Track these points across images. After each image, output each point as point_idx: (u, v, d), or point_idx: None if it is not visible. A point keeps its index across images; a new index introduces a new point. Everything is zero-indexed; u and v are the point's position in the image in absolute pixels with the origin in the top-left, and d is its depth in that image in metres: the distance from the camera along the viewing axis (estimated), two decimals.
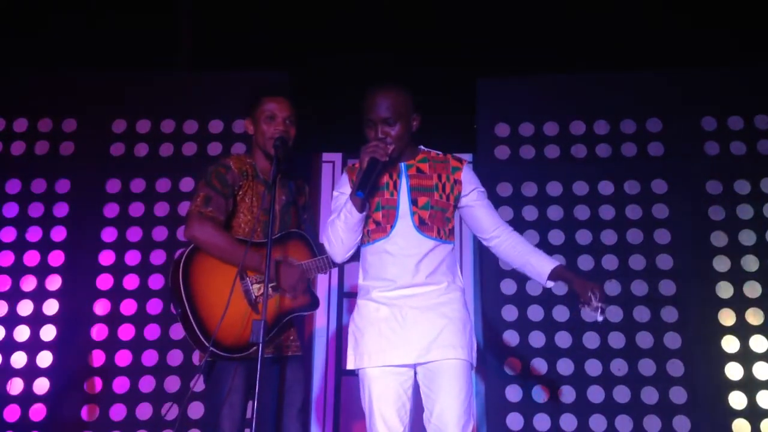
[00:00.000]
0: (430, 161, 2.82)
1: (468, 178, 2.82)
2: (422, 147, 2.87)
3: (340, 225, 2.72)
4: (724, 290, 4.02)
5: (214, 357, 2.84)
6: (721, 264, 4.05)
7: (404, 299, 2.71)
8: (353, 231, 2.72)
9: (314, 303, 2.98)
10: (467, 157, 4.50)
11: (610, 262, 4.13)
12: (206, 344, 2.76)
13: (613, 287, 4.07)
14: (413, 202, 2.74)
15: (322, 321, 4.64)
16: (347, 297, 4.66)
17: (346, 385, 4.50)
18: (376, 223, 2.74)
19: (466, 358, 2.71)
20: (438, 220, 2.75)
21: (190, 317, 2.78)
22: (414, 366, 2.73)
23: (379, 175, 2.71)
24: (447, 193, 2.78)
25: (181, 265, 2.83)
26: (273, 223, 2.77)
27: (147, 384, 4.07)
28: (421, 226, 2.73)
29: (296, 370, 2.96)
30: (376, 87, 2.74)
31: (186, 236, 2.88)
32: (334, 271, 4.76)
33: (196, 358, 3.70)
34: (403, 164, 2.79)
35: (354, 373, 2.79)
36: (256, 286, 2.89)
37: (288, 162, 3.01)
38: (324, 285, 4.71)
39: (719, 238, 4.08)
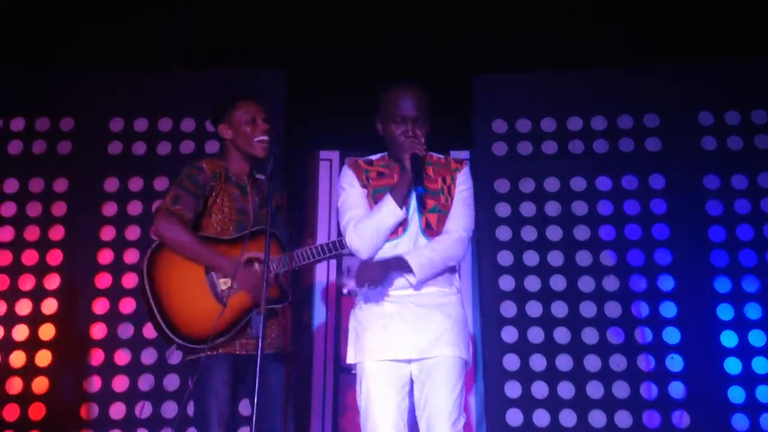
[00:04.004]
0: (433, 165, 2.84)
1: (462, 179, 2.83)
2: None
3: (378, 222, 2.69)
4: (723, 285, 4.01)
5: (182, 350, 2.92)
6: (720, 259, 4.05)
7: (409, 298, 2.72)
8: (390, 230, 2.71)
9: (282, 298, 2.97)
10: (464, 154, 4.50)
11: (608, 257, 4.13)
12: (172, 338, 2.83)
13: (611, 282, 4.07)
14: (422, 205, 2.74)
15: (321, 319, 4.64)
16: (345, 295, 4.65)
17: (344, 383, 4.50)
18: None
19: (464, 356, 2.73)
20: (442, 223, 2.76)
21: (155, 312, 2.85)
22: (411, 363, 2.73)
23: (422, 171, 2.71)
24: (451, 196, 2.80)
25: (146, 261, 2.91)
26: (272, 221, 2.79)
27: (146, 383, 4.07)
28: (427, 230, 2.74)
29: (278, 367, 2.99)
30: (405, 84, 2.76)
31: (153, 232, 2.95)
32: (333, 269, 4.75)
33: (173, 358, 3.69)
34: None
35: (353, 372, 2.79)
36: (222, 280, 2.92)
37: (265, 164, 3.05)
38: (322, 284, 4.72)
39: (717, 233, 4.08)
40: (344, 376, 4.49)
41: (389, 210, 2.68)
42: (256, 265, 2.96)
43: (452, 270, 2.80)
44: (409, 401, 2.75)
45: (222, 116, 3.08)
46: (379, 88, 2.81)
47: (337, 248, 2.97)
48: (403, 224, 2.73)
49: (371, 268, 2.70)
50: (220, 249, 2.94)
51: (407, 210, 2.73)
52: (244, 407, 3.44)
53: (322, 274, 4.73)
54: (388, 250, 2.74)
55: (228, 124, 3.06)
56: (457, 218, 2.77)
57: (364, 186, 2.80)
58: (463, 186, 2.81)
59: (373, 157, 2.87)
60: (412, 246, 2.73)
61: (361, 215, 2.74)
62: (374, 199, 2.76)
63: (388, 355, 2.70)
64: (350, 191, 2.80)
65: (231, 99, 3.09)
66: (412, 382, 2.75)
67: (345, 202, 2.80)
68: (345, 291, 2.67)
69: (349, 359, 2.78)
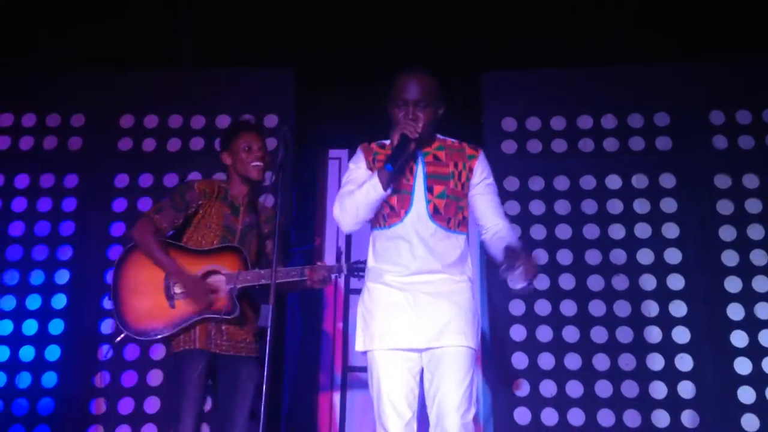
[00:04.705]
0: (446, 149, 2.84)
1: (480, 168, 2.84)
2: (438, 135, 2.89)
3: (359, 197, 2.72)
4: (733, 285, 4.00)
5: (130, 340, 3.28)
6: (730, 258, 4.03)
7: (417, 285, 2.72)
8: (371, 207, 2.73)
9: (229, 311, 3.18)
10: None
11: (617, 256, 4.11)
12: (122, 329, 3.19)
13: (621, 282, 4.06)
14: (429, 189, 2.76)
15: (329, 318, 4.65)
16: (353, 294, 4.65)
17: (352, 381, 4.50)
18: (390, 207, 2.76)
19: (473, 346, 2.73)
20: (452, 209, 2.76)
21: (113, 307, 3.22)
22: (422, 351, 2.73)
23: (409, 155, 2.73)
24: (462, 182, 2.80)
25: (119, 257, 3.29)
26: (279, 236, 3.02)
27: (155, 378, 4.08)
28: (435, 215, 2.74)
29: (250, 369, 3.22)
30: (410, 69, 2.80)
31: (131, 233, 3.31)
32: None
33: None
34: (419, 151, 2.80)
35: (360, 369, 2.79)
36: (177, 285, 3.21)
37: (260, 189, 3.48)
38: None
39: (728, 233, 4.06)
40: (352, 375, 4.50)
41: (371, 186, 2.70)
42: (213, 277, 3.21)
43: (464, 257, 2.80)
44: (419, 392, 2.75)
45: (224, 145, 3.42)
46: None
47: (303, 275, 3.19)
48: (405, 207, 2.74)
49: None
50: (186, 258, 3.23)
51: (402, 192, 2.73)
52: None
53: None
54: (396, 233, 2.74)
55: (229, 152, 3.39)
56: (498, 207, 2.84)
57: (369, 167, 2.82)
58: (485, 174, 2.84)
59: (387, 142, 2.89)
60: (421, 231, 2.73)
61: (351, 190, 2.76)
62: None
63: (395, 344, 2.70)
64: (354, 170, 2.85)
65: (234, 129, 3.45)
66: (422, 371, 2.74)
67: (345, 179, 2.85)
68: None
69: (358, 347, 2.79)
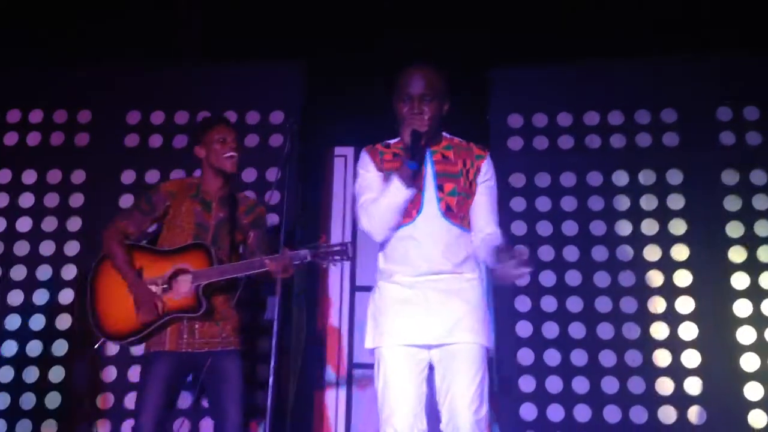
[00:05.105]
0: (454, 148, 2.83)
1: (486, 169, 2.83)
2: (445, 134, 2.88)
3: (385, 202, 2.69)
4: (740, 281, 3.98)
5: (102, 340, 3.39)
6: (737, 255, 4.01)
7: (427, 283, 2.71)
8: (398, 210, 2.70)
9: (194, 308, 3.24)
10: None
11: (624, 252, 4.10)
12: (98, 333, 3.31)
13: (627, 278, 4.05)
14: (439, 188, 2.74)
15: (334, 314, 4.65)
16: (359, 291, 4.66)
17: (358, 378, 4.50)
18: None
19: (485, 343, 2.72)
20: (464, 207, 2.76)
21: (88, 309, 3.33)
22: (430, 349, 2.72)
23: (424, 149, 2.71)
24: (470, 180, 2.78)
25: (95, 263, 3.40)
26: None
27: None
28: (447, 212, 2.73)
29: (232, 361, 3.30)
30: (416, 64, 2.77)
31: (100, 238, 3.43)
32: (346, 265, 4.74)
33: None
34: (427, 149, 2.78)
35: (366, 366, 2.79)
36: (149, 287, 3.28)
37: (236, 182, 3.56)
38: (336, 279, 4.72)
39: (735, 229, 4.04)
40: (357, 372, 4.50)
41: (395, 188, 2.67)
42: (180, 276, 3.27)
43: (474, 255, 2.79)
44: (428, 388, 2.74)
45: (197, 138, 3.45)
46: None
47: (262, 266, 3.17)
48: (416, 207, 2.72)
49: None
50: (155, 258, 3.32)
51: (415, 190, 2.70)
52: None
53: (336, 269, 4.70)
54: (407, 233, 2.73)
55: (202, 145, 3.42)
56: (493, 213, 2.81)
57: (379, 169, 2.80)
58: (486, 178, 2.81)
59: (391, 141, 2.88)
60: (432, 231, 2.72)
61: (374, 198, 2.74)
62: (387, 180, 2.76)
63: (405, 340, 2.69)
64: (365, 175, 2.81)
65: (207, 123, 3.50)
66: (431, 367, 2.73)
67: (359, 186, 2.82)
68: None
69: (368, 344, 2.78)
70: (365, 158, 2.84)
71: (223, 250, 3.34)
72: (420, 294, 2.71)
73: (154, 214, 3.39)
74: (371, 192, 2.76)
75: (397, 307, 2.72)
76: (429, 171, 2.77)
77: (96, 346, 3.49)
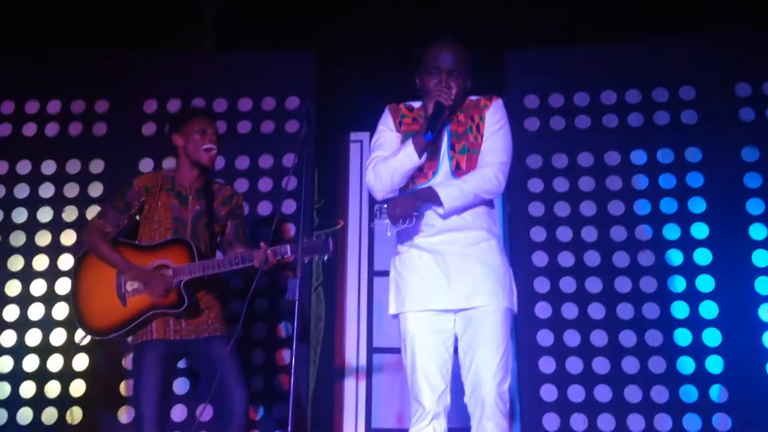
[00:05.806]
0: (465, 109, 2.86)
1: (490, 113, 2.83)
2: None
3: (395, 164, 2.74)
4: (761, 258, 3.95)
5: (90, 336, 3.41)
6: (758, 232, 3.98)
7: (445, 245, 2.72)
8: (405, 174, 2.76)
9: (176, 305, 3.25)
10: None
11: (643, 232, 4.08)
12: (80, 328, 3.36)
13: (646, 257, 4.03)
14: (451, 147, 2.78)
15: (353, 299, 4.67)
16: (378, 276, 4.67)
17: (377, 362, 4.52)
18: (419, 169, 2.78)
19: (507, 305, 2.72)
20: (473, 163, 2.77)
21: (71, 304, 3.41)
22: (454, 314, 2.73)
23: (444, 122, 2.75)
24: (480, 134, 2.80)
25: (77, 260, 3.45)
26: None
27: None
28: (456, 170, 2.76)
29: (219, 345, 3.28)
30: (445, 38, 2.83)
31: (82, 238, 3.51)
32: (364, 250, 4.76)
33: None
34: (447, 123, 2.82)
35: (386, 350, 2.80)
36: (128, 283, 3.30)
37: (213, 174, 3.54)
38: (354, 264, 4.73)
39: (755, 206, 4.01)
40: (377, 356, 4.51)
41: (406, 153, 2.72)
42: (162, 272, 3.26)
43: (489, 213, 2.81)
44: (453, 361, 2.75)
45: (177, 126, 3.42)
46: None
47: (249, 260, 3.19)
48: (432, 168, 2.76)
49: (402, 201, 2.70)
50: (136, 254, 3.32)
51: (429, 155, 2.74)
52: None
53: (354, 254, 4.75)
54: None
55: (181, 134, 3.39)
56: (489, 153, 2.78)
57: (396, 129, 2.85)
58: (494, 119, 2.81)
59: (415, 104, 2.91)
60: None
61: (384, 157, 2.78)
62: (403, 142, 2.80)
63: (427, 305, 2.71)
64: (383, 132, 2.86)
65: (188, 112, 3.48)
66: (456, 339, 2.75)
67: (375, 142, 2.87)
68: (373, 225, 2.72)
69: (391, 310, 2.81)
70: (387, 115, 2.89)
71: (202, 243, 3.35)
72: (439, 259, 2.72)
73: (129, 211, 3.39)
74: (384, 150, 2.80)
75: (418, 273, 2.74)
76: (445, 133, 2.81)
77: (78, 341, 3.58)
